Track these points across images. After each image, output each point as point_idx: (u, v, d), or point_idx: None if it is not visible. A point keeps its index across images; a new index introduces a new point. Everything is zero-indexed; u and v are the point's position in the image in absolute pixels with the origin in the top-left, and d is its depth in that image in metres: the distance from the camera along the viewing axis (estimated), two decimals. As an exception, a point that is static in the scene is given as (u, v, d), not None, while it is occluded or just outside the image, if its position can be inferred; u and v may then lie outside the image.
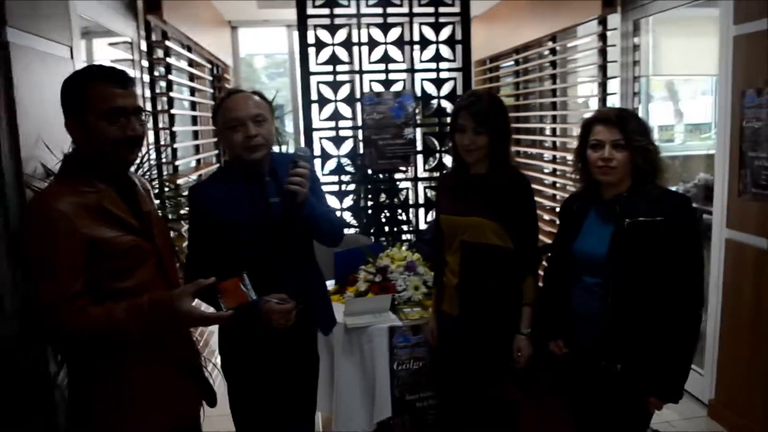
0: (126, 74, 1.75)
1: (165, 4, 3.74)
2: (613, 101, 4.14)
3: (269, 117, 2.16)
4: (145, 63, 3.76)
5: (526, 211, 2.41)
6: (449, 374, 2.55)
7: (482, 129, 2.30)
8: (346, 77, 3.97)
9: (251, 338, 2.16)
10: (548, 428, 2.57)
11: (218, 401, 2.08)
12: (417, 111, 4.00)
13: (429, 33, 3.98)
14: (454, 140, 2.39)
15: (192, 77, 4.89)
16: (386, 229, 4.14)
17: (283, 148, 6.03)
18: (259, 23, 6.33)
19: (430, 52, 4.00)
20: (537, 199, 2.71)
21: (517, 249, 2.36)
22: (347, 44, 3.90)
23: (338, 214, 3.69)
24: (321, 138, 3.98)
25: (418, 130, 4.11)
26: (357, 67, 3.97)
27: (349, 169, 4.08)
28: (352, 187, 4.13)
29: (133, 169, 2.84)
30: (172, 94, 4.13)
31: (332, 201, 4.05)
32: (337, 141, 3.97)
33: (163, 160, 3.90)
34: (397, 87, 3.95)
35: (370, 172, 4.04)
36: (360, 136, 3.99)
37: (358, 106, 3.94)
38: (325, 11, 3.87)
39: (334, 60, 3.89)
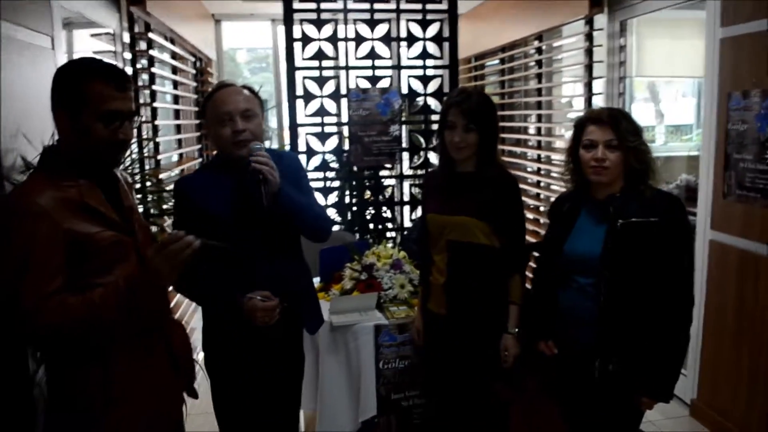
0: (127, 76, 1.71)
1: (149, -5, 3.68)
2: (598, 102, 4.15)
3: (259, 112, 2.13)
4: (127, 55, 3.69)
5: (514, 210, 2.40)
6: (436, 373, 2.53)
7: (472, 126, 2.28)
8: (332, 73, 3.94)
9: (235, 335, 2.14)
10: (539, 429, 2.57)
11: (200, 398, 2.05)
12: (403, 108, 3.98)
13: (416, 30, 3.96)
14: (442, 137, 2.37)
15: (175, 70, 4.82)
16: (371, 226, 4.12)
17: (266, 144, 5.98)
18: (244, 17, 6.26)
19: (417, 49, 3.97)
20: (523, 198, 2.70)
21: (504, 248, 2.35)
22: (333, 39, 3.87)
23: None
24: (306, 134, 3.94)
25: (404, 128, 4.09)
26: (343, 63, 3.94)
27: (334, 165, 4.05)
28: (337, 183, 4.11)
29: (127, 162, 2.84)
30: (154, 87, 4.06)
31: (317, 197, 4.02)
32: (323, 137, 3.94)
33: (146, 154, 3.83)
34: (383, 83, 3.92)
35: (355, 168, 4.02)
36: (345, 133, 3.97)
37: (344, 102, 3.91)
38: (312, 6, 3.83)
39: (320, 55, 3.86)
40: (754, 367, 3.02)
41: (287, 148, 4.33)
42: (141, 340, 1.72)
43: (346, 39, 3.88)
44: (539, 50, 4.91)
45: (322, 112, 3.89)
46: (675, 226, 2.03)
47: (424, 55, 3.97)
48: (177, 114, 4.99)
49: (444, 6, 3.94)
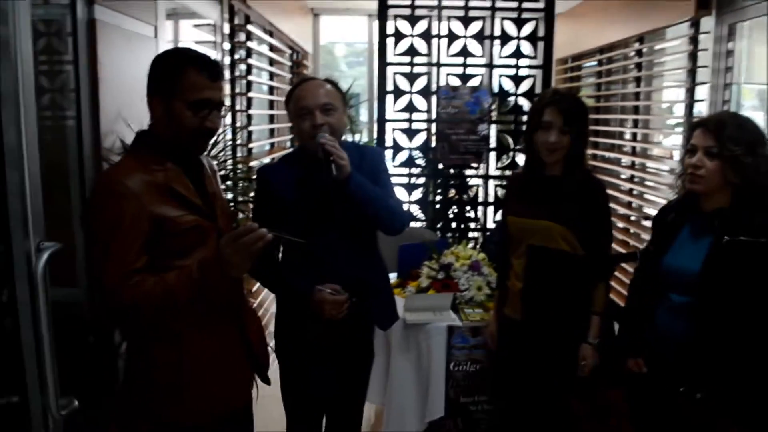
0: (219, 66, 1.77)
1: (250, -11, 3.80)
2: (701, 108, 3.93)
3: (340, 106, 2.15)
4: (226, 46, 3.82)
5: (601, 217, 2.32)
6: (507, 380, 2.48)
7: (568, 128, 2.21)
8: (423, 69, 3.93)
9: (305, 325, 2.17)
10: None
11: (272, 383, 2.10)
12: (493, 107, 3.92)
13: (510, 28, 3.89)
14: (532, 138, 2.30)
15: (272, 62, 4.94)
16: (453, 225, 4.09)
17: (356, 137, 6.06)
18: (340, 11, 6.36)
19: (510, 47, 3.90)
20: (611, 205, 2.61)
21: (588, 255, 2.27)
22: (426, 36, 3.86)
23: (405, 205, 3.66)
24: (394, 129, 3.96)
25: (493, 127, 4.03)
26: (435, 60, 3.92)
27: (420, 162, 4.04)
28: (421, 180, 4.10)
29: (214, 151, 2.95)
30: (250, 77, 4.18)
31: (401, 193, 4.03)
32: (410, 133, 3.94)
33: (239, 142, 3.96)
34: (474, 82, 3.88)
35: (440, 166, 4.00)
36: (433, 130, 3.95)
37: (433, 99, 3.89)
38: (407, 2, 3.83)
39: (412, 51, 3.86)
40: None
41: (374, 143, 4.36)
42: (215, 325, 1.77)
43: (438, 36, 3.87)
44: (639, 53, 4.71)
45: (410, 108, 3.90)
46: None
47: (518, 54, 3.90)
48: (272, 104, 5.12)
49: (541, 5, 3.85)
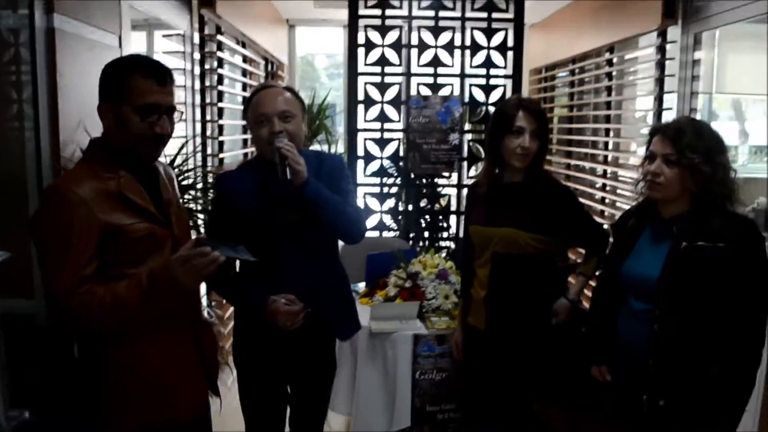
0: (168, 71, 1.75)
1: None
2: (669, 117, 3.97)
3: (299, 114, 2.13)
4: (197, 56, 3.81)
5: (576, 212, 2.38)
6: (473, 389, 2.48)
7: (540, 131, 2.24)
8: (394, 79, 3.94)
9: (262, 336, 2.15)
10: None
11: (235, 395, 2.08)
12: (464, 117, 3.94)
13: (481, 38, 3.92)
14: (498, 143, 2.29)
15: (245, 73, 4.94)
16: (425, 234, 4.09)
17: (332, 148, 6.06)
18: (316, 22, 6.36)
19: (480, 57, 3.93)
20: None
21: (581, 246, 2.40)
22: (397, 46, 3.87)
23: (363, 211, 3.62)
24: (365, 139, 3.96)
25: (465, 137, 4.04)
26: (405, 70, 3.94)
27: (392, 171, 4.05)
28: (394, 190, 4.10)
29: (179, 160, 2.94)
30: (221, 87, 4.17)
31: (373, 203, 4.03)
32: (382, 143, 3.94)
33: (209, 153, 3.95)
34: (445, 91, 3.89)
35: (412, 176, 4.00)
36: (404, 139, 3.96)
37: (404, 108, 3.90)
38: (377, 12, 3.85)
39: (383, 61, 3.88)
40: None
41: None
42: (169, 329, 1.76)
43: (409, 45, 3.88)
44: (610, 62, 4.76)
45: (382, 117, 3.90)
46: (747, 254, 1.83)
47: (488, 63, 3.92)
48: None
49: (510, 15, 3.88)
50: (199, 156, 3.64)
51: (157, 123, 1.70)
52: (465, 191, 4.14)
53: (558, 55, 5.55)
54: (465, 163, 4.08)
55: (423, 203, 4.11)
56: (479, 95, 3.96)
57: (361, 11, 3.83)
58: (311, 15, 6.03)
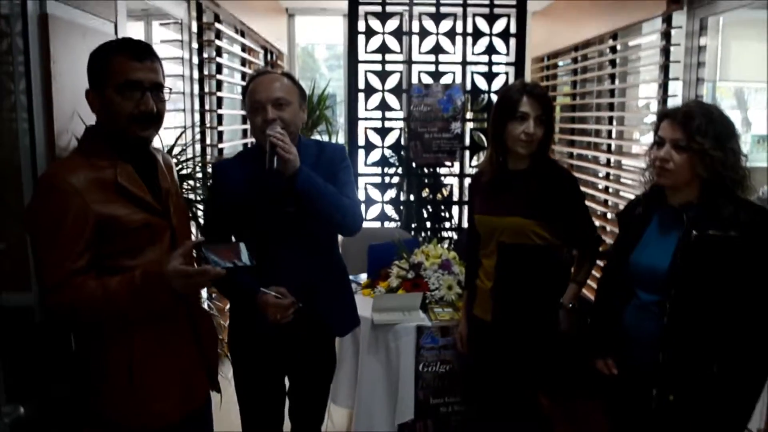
0: (146, 47, 1.70)
1: (218, -13, 3.74)
2: (673, 104, 3.91)
3: (295, 101, 2.06)
4: (195, 45, 3.76)
5: (577, 203, 2.30)
6: (477, 381, 2.44)
7: (545, 118, 2.19)
8: (395, 67, 3.89)
9: (256, 329, 2.09)
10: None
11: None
12: (466, 105, 3.89)
13: (483, 25, 3.86)
14: (502, 130, 2.23)
15: (244, 62, 4.88)
16: (428, 224, 4.05)
17: (333, 138, 6.01)
18: (316, 12, 6.29)
19: (482, 44, 3.88)
20: (589, 204, 2.57)
21: (567, 243, 2.26)
22: (398, 33, 3.82)
23: (362, 202, 3.58)
24: (366, 128, 3.91)
25: (467, 125, 3.99)
26: (406, 57, 3.88)
27: (393, 161, 4.00)
28: (395, 180, 4.05)
29: (177, 149, 2.89)
30: (220, 76, 4.12)
31: (374, 193, 3.98)
32: (383, 132, 3.89)
33: (208, 143, 3.90)
34: (446, 79, 3.84)
35: (414, 165, 3.95)
36: (406, 128, 3.90)
37: (405, 97, 3.85)
38: (378, -1, 3.80)
39: (383, 49, 3.83)
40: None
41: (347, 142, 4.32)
42: (167, 325, 1.72)
43: (410, 33, 3.83)
44: (614, 49, 4.70)
45: (383, 106, 3.85)
46: (759, 244, 1.76)
47: (490, 51, 3.88)
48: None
49: (512, 1, 3.82)
50: (198, 146, 3.60)
51: (141, 100, 1.65)
52: (467, 181, 4.11)
53: (560, 42, 5.48)
54: (467, 152, 4.03)
55: (425, 193, 4.07)
56: (481, 83, 3.91)
57: (362, -2, 3.78)
58: (310, 4, 5.98)
